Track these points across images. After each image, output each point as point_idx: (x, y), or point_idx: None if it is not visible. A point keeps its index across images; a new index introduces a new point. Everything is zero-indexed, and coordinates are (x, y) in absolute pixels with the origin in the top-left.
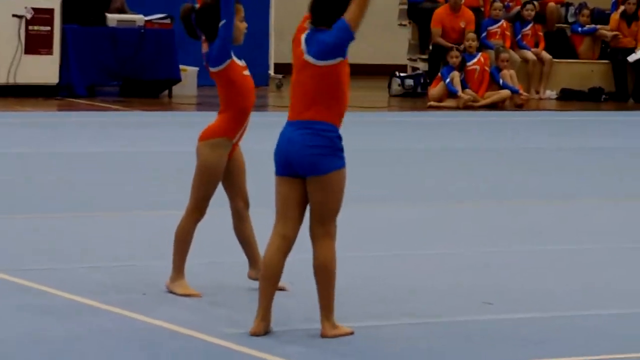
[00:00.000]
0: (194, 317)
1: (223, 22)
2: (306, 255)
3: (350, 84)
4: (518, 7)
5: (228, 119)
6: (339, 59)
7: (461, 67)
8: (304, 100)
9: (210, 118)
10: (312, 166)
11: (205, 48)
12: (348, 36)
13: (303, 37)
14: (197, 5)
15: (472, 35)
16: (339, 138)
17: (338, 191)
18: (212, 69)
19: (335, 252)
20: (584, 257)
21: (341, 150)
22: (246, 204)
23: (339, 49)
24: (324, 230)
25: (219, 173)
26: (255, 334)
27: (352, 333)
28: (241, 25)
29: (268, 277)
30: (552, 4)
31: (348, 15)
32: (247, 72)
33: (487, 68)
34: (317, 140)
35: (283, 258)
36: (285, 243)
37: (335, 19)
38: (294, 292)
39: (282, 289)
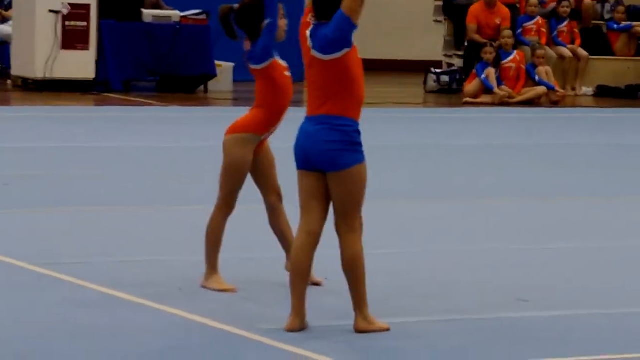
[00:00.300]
0: (227, 311)
1: (267, 21)
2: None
3: (385, 80)
4: (554, 4)
5: (261, 116)
6: (345, 50)
7: (496, 63)
8: (318, 95)
9: (244, 114)
10: (330, 161)
11: (247, 46)
12: (348, 26)
13: (308, 32)
14: (237, 6)
15: (508, 32)
16: (357, 132)
17: (358, 186)
18: (253, 67)
19: (362, 246)
20: (620, 254)
21: (359, 144)
22: (279, 198)
23: (342, 40)
24: (347, 225)
25: (245, 168)
26: (290, 330)
27: (388, 329)
28: (282, 23)
29: (297, 273)
30: (587, 1)
31: (344, 5)
32: (288, 73)
33: (523, 66)
34: (334, 135)
35: (310, 253)
36: (311, 238)
37: (335, 11)
38: (330, 288)
39: (317, 284)
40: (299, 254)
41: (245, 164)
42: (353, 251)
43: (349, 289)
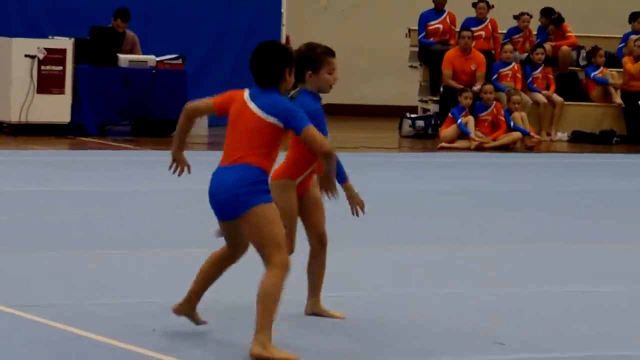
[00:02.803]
0: (204, 354)
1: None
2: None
3: (360, 125)
4: (525, 54)
5: (289, 161)
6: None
7: (471, 110)
8: (240, 147)
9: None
10: (236, 207)
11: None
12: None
13: (247, 92)
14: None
15: (489, 87)
16: (266, 182)
17: (267, 224)
18: None
19: (279, 282)
20: (598, 299)
21: (267, 190)
22: (321, 243)
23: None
24: (267, 262)
25: (292, 212)
26: (174, 311)
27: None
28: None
29: (204, 267)
30: (564, 47)
31: (312, 134)
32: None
33: (501, 117)
34: (243, 182)
35: (220, 261)
36: (228, 255)
37: (278, 78)
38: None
39: (336, 317)
40: (215, 254)
41: (291, 210)
42: (266, 285)
43: (256, 314)
